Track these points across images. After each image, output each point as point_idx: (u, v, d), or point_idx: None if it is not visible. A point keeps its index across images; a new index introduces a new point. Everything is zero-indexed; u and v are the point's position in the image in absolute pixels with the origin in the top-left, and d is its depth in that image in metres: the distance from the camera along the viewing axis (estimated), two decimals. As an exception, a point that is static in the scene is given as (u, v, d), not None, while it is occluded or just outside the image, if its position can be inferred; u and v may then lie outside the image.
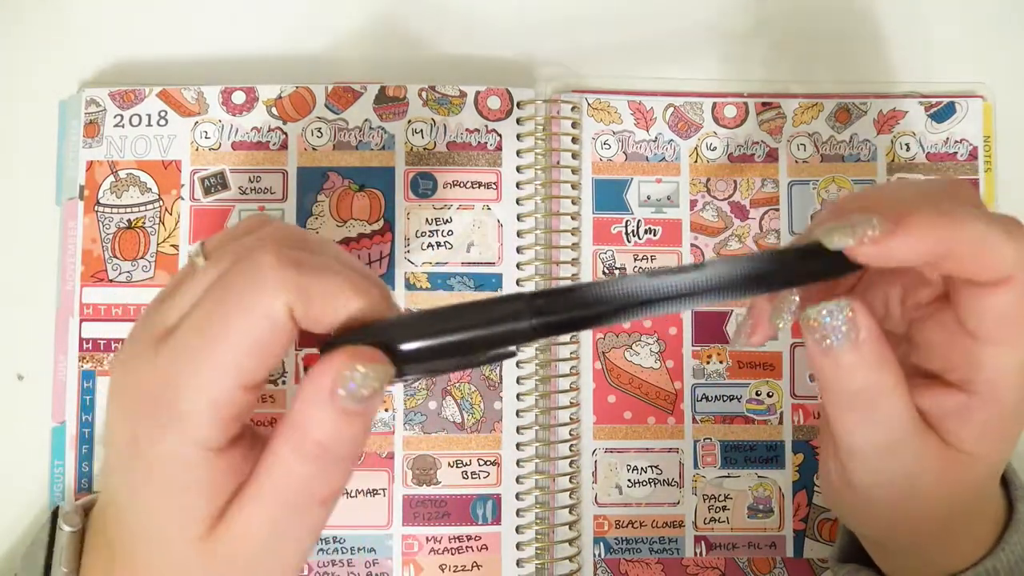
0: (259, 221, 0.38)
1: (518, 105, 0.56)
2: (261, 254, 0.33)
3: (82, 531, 0.40)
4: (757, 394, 0.55)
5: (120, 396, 0.34)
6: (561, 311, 0.33)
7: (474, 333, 0.33)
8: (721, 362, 0.55)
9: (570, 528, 0.54)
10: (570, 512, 0.54)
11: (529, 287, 0.55)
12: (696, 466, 0.55)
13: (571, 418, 0.55)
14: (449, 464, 0.54)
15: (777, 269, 0.34)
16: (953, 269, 0.34)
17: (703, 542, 0.54)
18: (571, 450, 0.55)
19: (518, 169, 0.56)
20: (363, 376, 0.32)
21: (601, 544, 0.54)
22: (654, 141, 0.57)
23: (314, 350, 0.49)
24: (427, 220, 0.55)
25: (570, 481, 0.54)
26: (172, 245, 0.54)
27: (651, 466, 0.55)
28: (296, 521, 0.34)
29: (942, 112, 0.57)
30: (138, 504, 0.34)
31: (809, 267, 0.35)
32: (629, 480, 0.55)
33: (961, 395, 0.36)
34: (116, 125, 0.55)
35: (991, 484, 0.40)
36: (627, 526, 0.54)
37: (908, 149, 0.57)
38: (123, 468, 0.34)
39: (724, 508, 0.54)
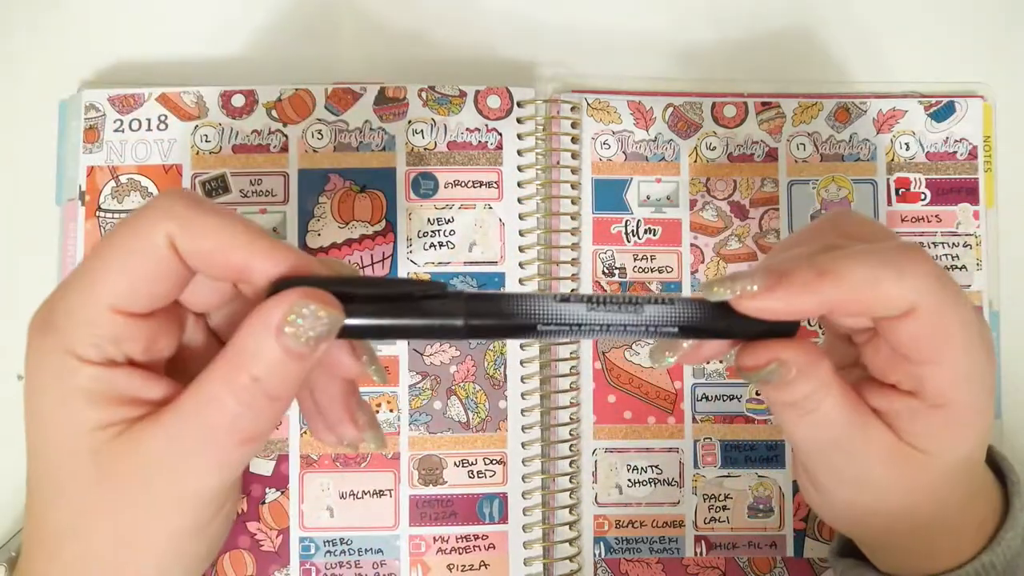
0: None
1: (518, 104, 0.56)
2: (165, 192, 0.34)
3: None
4: (757, 394, 0.55)
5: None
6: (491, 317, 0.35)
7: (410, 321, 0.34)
8: (721, 362, 0.56)
9: (570, 528, 0.55)
10: (570, 512, 0.55)
11: (531, 286, 0.55)
12: (696, 466, 0.55)
13: (571, 418, 0.55)
14: (455, 464, 0.54)
15: (702, 324, 0.36)
16: (849, 317, 0.37)
17: (703, 542, 0.55)
18: (571, 450, 0.55)
19: (519, 168, 0.56)
20: (314, 315, 0.32)
21: (601, 544, 0.55)
22: (654, 141, 0.57)
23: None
24: (429, 220, 0.55)
25: (570, 481, 0.55)
26: (174, 249, 0.54)
27: (651, 466, 0.55)
28: (206, 451, 0.33)
29: (942, 112, 0.57)
30: (30, 419, 0.34)
31: (725, 324, 0.36)
32: (629, 480, 0.55)
33: (910, 399, 0.37)
34: (116, 130, 0.55)
35: (959, 482, 0.40)
36: (627, 526, 0.55)
37: (908, 148, 0.57)
38: (25, 399, 0.35)
39: (724, 508, 0.55)
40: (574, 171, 0.56)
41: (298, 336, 0.32)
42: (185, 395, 0.33)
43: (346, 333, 0.33)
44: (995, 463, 0.44)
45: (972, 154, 0.57)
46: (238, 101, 0.55)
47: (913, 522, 0.40)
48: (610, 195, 0.56)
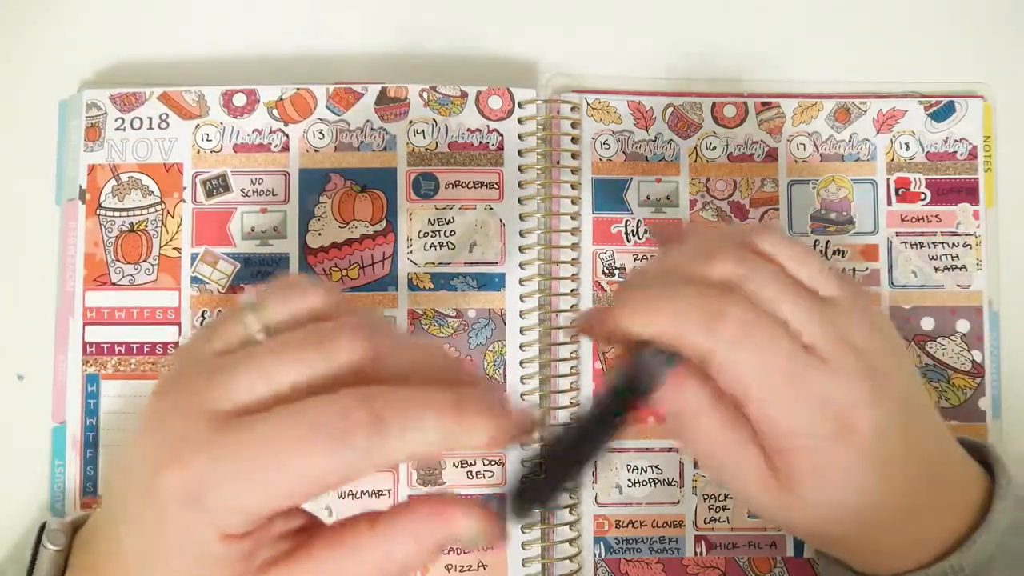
0: (326, 300, 0.35)
1: (519, 105, 0.56)
2: (349, 408, 0.31)
3: (67, 549, 0.39)
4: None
5: (158, 451, 0.33)
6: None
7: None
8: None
9: (570, 528, 0.54)
10: (570, 512, 0.55)
11: (531, 287, 0.55)
12: (696, 466, 0.55)
13: (571, 418, 0.55)
14: (454, 464, 0.54)
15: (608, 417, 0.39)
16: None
17: (703, 542, 0.55)
18: (572, 449, 0.55)
19: (519, 169, 0.56)
20: (473, 538, 0.33)
21: (601, 544, 0.55)
22: (654, 141, 0.57)
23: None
24: (429, 220, 0.55)
25: (571, 480, 0.55)
26: (175, 248, 0.54)
27: (651, 466, 0.55)
28: None
29: (942, 112, 0.57)
30: (152, 553, 0.34)
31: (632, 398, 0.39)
32: (629, 480, 0.55)
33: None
34: (117, 128, 0.55)
35: (853, 517, 0.40)
36: (627, 526, 0.55)
37: (908, 148, 0.57)
38: (139, 528, 0.34)
39: (724, 508, 0.55)
40: (574, 171, 0.56)
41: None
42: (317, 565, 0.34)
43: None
44: (988, 461, 0.44)
45: (972, 154, 0.57)
46: (239, 100, 0.55)
47: (822, 537, 0.42)
48: (610, 195, 0.57)
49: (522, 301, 0.55)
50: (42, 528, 0.42)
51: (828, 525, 0.40)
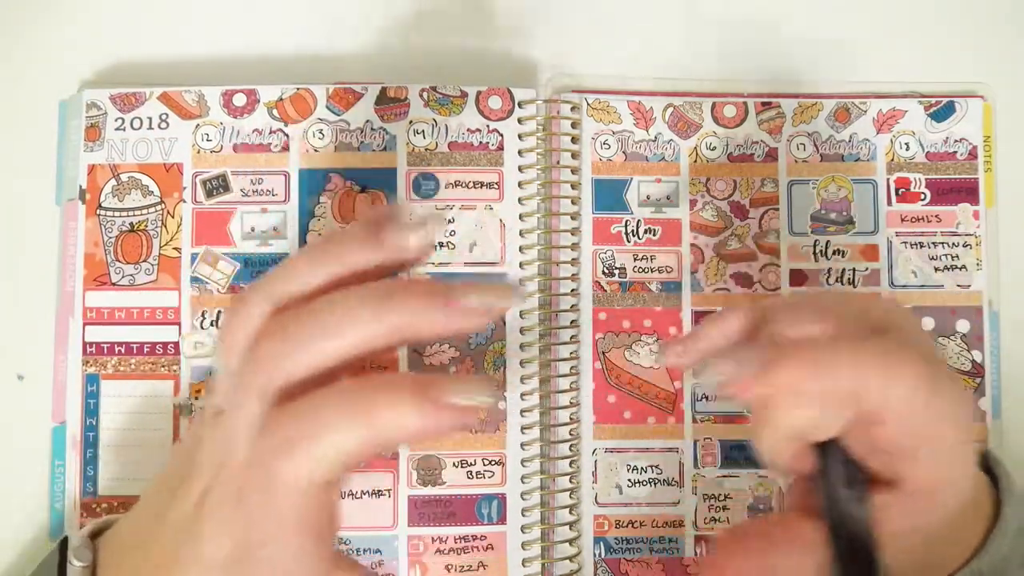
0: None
1: (519, 105, 0.56)
2: (270, 461, 0.34)
3: (93, 564, 0.39)
4: (757, 394, 0.55)
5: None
6: None
7: None
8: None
9: (570, 528, 0.54)
10: (570, 512, 0.55)
11: (532, 287, 0.55)
12: (696, 466, 0.55)
13: (571, 418, 0.55)
14: (454, 464, 0.54)
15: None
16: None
17: (703, 542, 0.55)
18: (571, 450, 0.55)
19: (520, 169, 0.56)
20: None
21: (601, 544, 0.55)
22: (654, 141, 0.57)
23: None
24: (429, 221, 0.55)
25: (570, 481, 0.55)
26: (175, 248, 0.54)
27: (651, 466, 0.55)
28: None
29: (942, 112, 0.57)
30: None
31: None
32: (629, 480, 0.55)
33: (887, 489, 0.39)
34: (117, 128, 0.55)
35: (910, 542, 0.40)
36: (627, 526, 0.55)
37: (908, 148, 0.57)
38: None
39: (724, 508, 0.55)
40: (574, 171, 0.56)
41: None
42: None
43: None
44: (988, 465, 0.44)
45: (972, 154, 0.57)
46: (239, 100, 0.55)
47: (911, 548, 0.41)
48: (610, 195, 0.57)
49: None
50: (63, 544, 0.42)
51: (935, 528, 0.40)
